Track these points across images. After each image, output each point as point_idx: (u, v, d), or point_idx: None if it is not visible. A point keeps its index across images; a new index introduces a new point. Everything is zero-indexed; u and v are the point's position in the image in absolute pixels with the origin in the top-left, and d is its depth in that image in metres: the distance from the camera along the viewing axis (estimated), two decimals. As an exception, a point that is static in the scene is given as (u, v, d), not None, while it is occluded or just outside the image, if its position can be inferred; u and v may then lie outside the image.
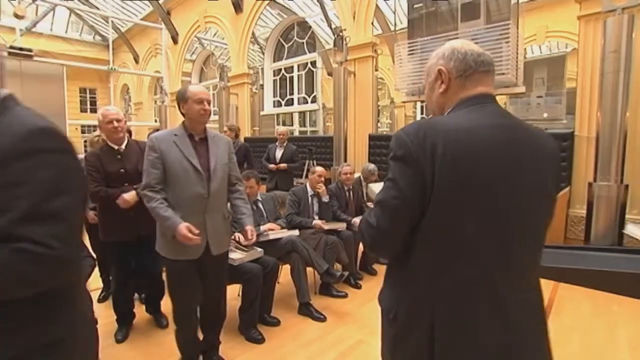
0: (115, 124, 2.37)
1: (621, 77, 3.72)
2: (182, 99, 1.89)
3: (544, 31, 9.11)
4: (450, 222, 0.84)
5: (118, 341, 2.48)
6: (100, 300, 3.08)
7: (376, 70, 6.63)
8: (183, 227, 1.75)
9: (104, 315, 2.77)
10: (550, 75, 8.20)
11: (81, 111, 17.07)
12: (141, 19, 12.88)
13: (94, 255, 2.49)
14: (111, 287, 2.65)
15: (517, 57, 4.59)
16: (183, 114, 1.92)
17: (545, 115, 7.91)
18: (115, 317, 2.58)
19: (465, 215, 0.83)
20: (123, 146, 2.46)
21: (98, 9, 13.19)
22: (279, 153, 5.21)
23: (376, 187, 1.14)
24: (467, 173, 0.82)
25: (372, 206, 1.18)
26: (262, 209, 3.14)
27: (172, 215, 1.80)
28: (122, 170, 2.41)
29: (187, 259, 1.90)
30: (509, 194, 0.85)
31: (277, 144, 5.28)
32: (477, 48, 0.95)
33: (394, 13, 6.68)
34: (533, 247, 0.92)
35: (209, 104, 1.90)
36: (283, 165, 5.10)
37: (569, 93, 7.72)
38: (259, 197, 3.15)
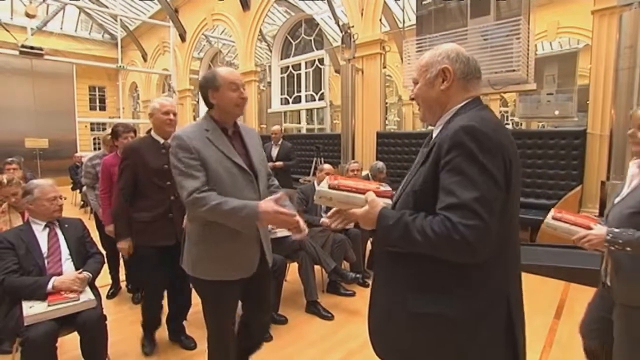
0: (172, 116, 2.19)
1: (637, 73, 3.63)
2: (210, 86, 1.52)
3: (555, 27, 8.95)
4: (512, 214, 0.94)
5: (146, 354, 2.30)
6: (109, 297, 3.10)
7: (384, 67, 6.58)
8: (269, 203, 1.36)
9: (113, 312, 2.79)
10: (561, 72, 8.06)
11: (90, 109, 17.25)
12: (149, 17, 12.97)
13: (103, 252, 2.49)
14: (145, 295, 2.37)
15: (527, 54, 4.51)
16: (210, 105, 1.56)
17: (556, 112, 7.78)
18: (142, 332, 2.38)
19: (512, 206, 0.93)
20: (169, 141, 2.20)
21: (107, 7, 13.30)
22: (274, 151, 5.13)
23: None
24: (515, 164, 0.92)
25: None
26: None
27: (243, 201, 1.41)
28: (165, 166, 2.08)
29: (237, 278, 1.56)
30: (519, 184, 0.98)
31: (272, 142, 5.19)
32: (470, 54, 1.04)
33: (402, 10, 6.61)
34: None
35: (244, 89, 1.58)
36: (279, 163, 5.02)
37: (580, 90, 7.58)
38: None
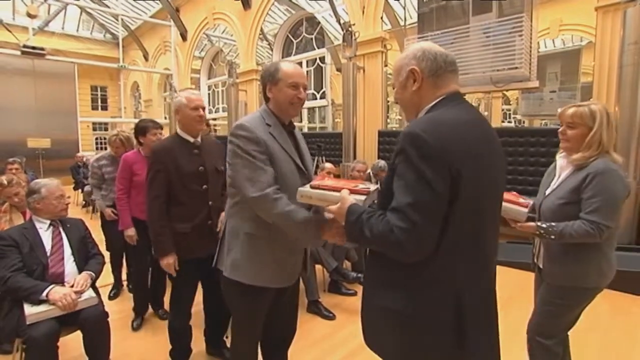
0: (201, 111, 1.94)
1: (641, 70, 3.60)
2: (270, 79, 1.44)
3: (558, 24, 8.89)
4: (466, 215, 0.91)
5: None
6: (111, 298, 3.08)
7: (385, 65, 6.55)
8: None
9: (116, 311, 2.78)
10: (564, 69, 8.03)
11: (92, 109, 17.28)
12: (150, 17, 12.97)
13: (106, 253, 2.49)
14: (171, 314, 2.10)
15: (530, 51, 4.48)
16: (267, 98, 1.49)
17: (559, 110, 7.74)
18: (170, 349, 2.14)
19: (476, 207, 0.93)
20: (199, 139, 1.99)
21: (108, 7, 13.31)
22: None
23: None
24: (470, 166, 0.89)
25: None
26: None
27: (310, 215, 1.34)
28: (201, 168, 1.93)
29: (280, 286, 1.48)
30: (493, 183, 0.97)
31: None
32: (442, 49, 1.02)
33: (404, 8, 6.58)
34: (496, 237, 1.04)
35: (305, 89, 1.47)
36: None
37: (583, 87, 7.54)
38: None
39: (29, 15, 10.52)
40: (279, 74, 1.43)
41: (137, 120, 3.21)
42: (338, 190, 1.13)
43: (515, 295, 3.11)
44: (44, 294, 1.73)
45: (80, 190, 7.55)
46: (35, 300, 1.73)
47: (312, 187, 1.21)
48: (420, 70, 0.99)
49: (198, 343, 2.24)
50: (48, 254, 1.92)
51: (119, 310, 2.87)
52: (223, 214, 2.00)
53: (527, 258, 1.98)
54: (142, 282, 2.73)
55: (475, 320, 0.95)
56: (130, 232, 2.56)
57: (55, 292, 1.74)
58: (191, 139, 1.96)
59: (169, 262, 1.86)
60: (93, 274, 1.98)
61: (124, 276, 3.27)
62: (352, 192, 1.11)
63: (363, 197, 1.09)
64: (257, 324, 1.55)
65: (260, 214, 1.35)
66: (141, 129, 2.58)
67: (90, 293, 1.85)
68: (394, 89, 1.10)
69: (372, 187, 1.19)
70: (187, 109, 1.91)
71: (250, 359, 1.60)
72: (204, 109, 1.97)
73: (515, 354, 2.31)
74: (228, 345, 2.15)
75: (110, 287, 3.18)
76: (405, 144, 0.90)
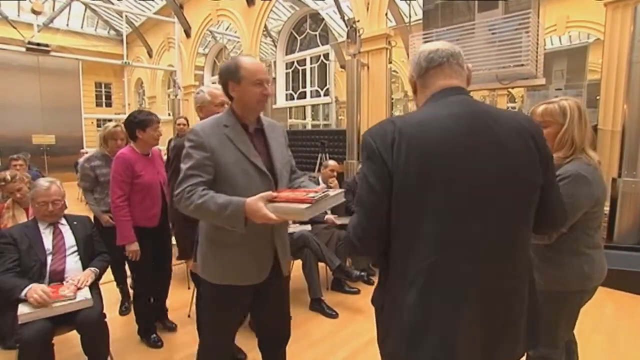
0: (226, 107, 1.72)
1: (651, 67, 3.54)
2: (232, 77, 1.38)
3: (565, 21, 8.78)
4: (412, 213, 0.88)
5: None
6: (123, 312, 2.82)
7: (390, 62, 6.49)
8: (254, 200, 1.24)
9: (115, 309, 2.79)
10: (571, 67, 7.93)
11: (96, 105, 17.32)
12: (154, 13, 12.96)
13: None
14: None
15: (537, 48, 4.42)
16: (230, 97, 1.44)
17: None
18: None
19: (426, 205, 0.87)
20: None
21: (112, 3, 13.31)
22: None
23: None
24: (420, 164, 0.87)
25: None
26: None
27: (230, 198, 1.28)
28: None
29: (247, 283, 1.44)
30: (466, 183, 0.88)
31: None
32: (432, 46, 1.01)
33: (409, 4, 6.52)
34: (506, 235, 0.92)
35: (268, 83, 1.42)
36: None
37: (590, 85, 7.45)
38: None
39: (34, 12, 10.52)
40: (240, 71, 1.37)
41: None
42: (291, 201, 1.22)
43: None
44: (23, 293, 1.71)
45: (84, 187, 7.58)
46: (13, 300, 1.72)
47: (268, 201, 1.26)
48: (410, 77, 1.05)
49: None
50: (48, 251, 1.92)
51: (118, 308, 2.87)
52: None
53: (533, 258, 1.95)
54: (145, 304, 2.41)
55: (419, 329, 0.89)
56: (134, 246, 2.20)
57: (32, 291, 1.70)
58: None
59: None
60: (97, 270, 1.99)
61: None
62: (299, 201, 1.20)
63: (304, 206, 1.18)
64: (226, 322, 1.53)
65: (186, 214, 1.35)
66: (141, 122, 2.23)
67: (85, 294, 1.81)
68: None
69: (331, 192, 1.28)
70: (212, 106, 1.81)
71: (217, 354, 1.59)
72: (229, 104, 1.86)
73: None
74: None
75: (113, 289, 3.17)
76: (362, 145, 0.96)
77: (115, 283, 2.95)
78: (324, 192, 1.27)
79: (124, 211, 2.19)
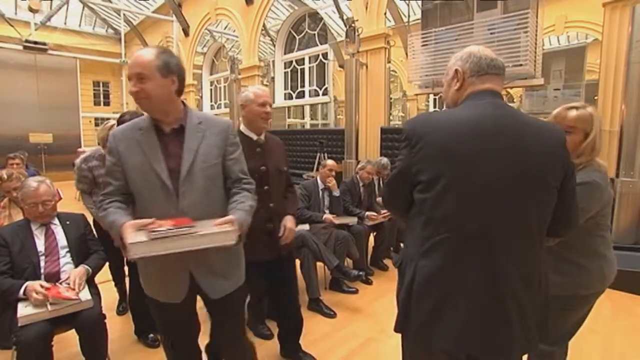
0: (268, 108, 1.87)
1: (649, 68, 3.55)
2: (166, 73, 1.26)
3: (563, 21, 8.80)
4: (433, 198, 0.99)
5: None
6: (120, 312, 2.79)
7: (388, 62, 6.50)
8: (125, 227, 1.15)
9: (114, 307, 2.78)
10: (569, 67, 7.94)
11: (94, 104, 17.25)
12: (153, 12, 12.92)
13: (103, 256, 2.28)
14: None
15: (535, 48, 4.43)
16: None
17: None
18: None
19: (445, 192, 0.98)
20: (263, 137, 1.92)
21: (110, 2, 13.26)
22: None
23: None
24: (442, 155, 0.98)
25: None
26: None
27: (115, 218, 1.22)
28: (262, 167, 1.84)
29: (168, 301, 1.37)
30: (482, 178, 0.96)
31: None
32: (492, 54, 1.08)
33: (407, 4, 6.52)
34: (519, 230, 0.99)
35: (140, 80, 1.23)
36: None
37: (588, 85, 7.46)
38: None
39: (31, 10, 10.47)
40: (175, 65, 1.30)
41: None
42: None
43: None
44: (21, 292, 1.71)
45: (81, 186, 7.55)
46: (13, 300, 1.72)
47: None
48: (463, 71, 1.08)
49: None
50: (41, 253, 1.89)
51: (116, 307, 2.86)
52: (288, 217, 1.95)
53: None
54: (142, 304, 2.40)
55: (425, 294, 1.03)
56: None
57: (30, 290, 1.70)
58: (254, 137, 1.89)
59: None
60: (89, 269, 1.94)
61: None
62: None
63: (140, 239, 1.09)
64: (167, 333, 1.51)
65: None
66: (120, 124, 2.10)
67: (86, 295, 1.80)
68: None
69: (200, 231, 1.13)
70: (254, 105, 1.85)
71: None
72: (270, 105, 1.89)
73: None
74: (303, 348, 2.21)
75: (110, 288, 3.15)
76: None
77: (113, 283, 2.91)
78: (187, 229, 1.11)
79: None
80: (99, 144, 2.61)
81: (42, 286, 1.71)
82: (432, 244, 1.01)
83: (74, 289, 1.78)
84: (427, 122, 1.04)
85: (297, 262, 2.92)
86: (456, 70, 1.09)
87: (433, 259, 1.00)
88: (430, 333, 1.01)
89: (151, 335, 2.35)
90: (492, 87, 1.05)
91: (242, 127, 1.90)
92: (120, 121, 2.18)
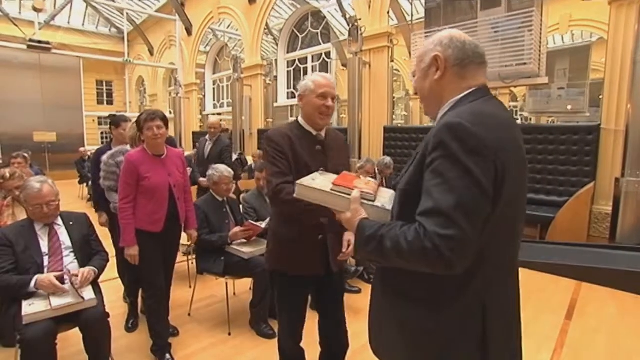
0: (329, 101, 1.55)
1: (655, 66, 3.51)
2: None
3: (567, 20, 8.74)
4: (502, 219, 0.81)
5: None
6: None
7: (392, 61, 6.47)
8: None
9: (117, 306, 2.78)
10: (573, 66, 7.87)
11: (98, 103, 17.33)
12: (155, 11, 12.94)
13: (111, 260, 2.26)
14: (280, 333, 1.77)
15: (540, 47, 4.40)
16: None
17: (569, 107, 7.61)
18: None
19: (511, 211, 0.84)
20: (323, 133, 1.63)
21: (114, 1, 13.29)
22: (207, 149, 4.22)
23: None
24: (514, 167, 0.81)
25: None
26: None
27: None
28: (322, 169, 1.48)
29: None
30: (523, 188, 0.89)
31: (207, 137, 4.31)
32: (473, 40, 0.93)
33: (411, 3, 6.49)
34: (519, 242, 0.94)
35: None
36: (203, 180, 3.78)
37: (593, 84, 7.41)
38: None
39: (35, 10, 10.50)
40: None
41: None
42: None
43: (520, 295, 3.07)
44: (32, 285, 1.72)
45: (85, 185, 7.58)
46: (25, 294, 1.72)
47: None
48: (445, 58, 0.90)
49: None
50: (45, 253, 1.89)
51: (120, 306, 2.86)
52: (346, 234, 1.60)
53: (536, 257, 1.93)
54: (160, 309, 2.25)
55: (500, 332, 0.88)
56: (133, 250, 2.10)
57: (41, 281, 1.73)
58: (314, 132, 1.60)
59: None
60: (96, 270, 1.95)
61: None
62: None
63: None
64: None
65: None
66: (138, 122, 2.20)
67: (89, 294, 1.80)
68: (414, 77, 1.00)
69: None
70: (313, 96, 1.54)
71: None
72: (334, 98, 1.57)
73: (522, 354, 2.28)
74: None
75: (112, 286, 3.15)
76: (445, 135, 0.77)
77: (124, 294, 2.81)
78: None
79: (126, 214, 2.10)
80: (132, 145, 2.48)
81: (51, 281, 1.73)
82: (488, 276, 0.89)
83: (77, 286, 1.78)
84: (492, 118, 0.85)
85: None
86: (436, 57, 0.91)
87: (499, 298, 0.92)
88: None
89: (167, 356, 2.19)
90: (486, 82, 0.93)
91: (301, 120, 1.62)
92: (139, 119, 2.18)
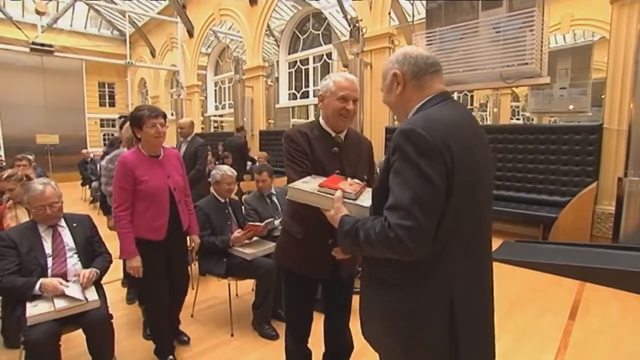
0: (350, 104, 1.47)
1: (658, 66, 3.50)
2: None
3: (569, 19, 8.73)
4: (461, 210, 0.91)
5: None
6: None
7: (393, 61, 6.47)
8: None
9: (120, 308, 2.79)
10: (575, 65, 7.86)
11: (100, 105, 17.40)
12: (157, 13, 12.99)
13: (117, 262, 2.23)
14: (287, 335, 1.75)
15: (541, 46, 4.39)
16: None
17: (571, 107, 7.59)
18: None
19: (470, 202, 0.93)
20: (343, 135, 1.56)
21: (115, 3, 13.34)
22: (183, 149, 4.09)
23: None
24: (465, 162, 0.90)
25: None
26: (277, 202, 3.09)
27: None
28: (337, 171, 1.46)
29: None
30: (484, 182, 0.99)
31: (181, 139, 4.26)
32: (425, 52, 1.06)
33: (412, 3, 6.49)
34: (489, 227, 1.05)
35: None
36: None
37: (595, 84, 7.39)
38: (273, 191, 3.10)
39: (38, 13, 10.56)
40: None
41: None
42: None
43: (523, 295, 3.06)
44: (37, 288, 1.74)
45: (87, 186, 7.60)
46: (29, 296, 1.74)
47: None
48: (402, 74, 1.03)
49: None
50: (49, 254, 1.89)
51: (123, 307, 2.87)
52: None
53: (539, 257, 1.93)
54: (162, 319, 2.15)
55: (469, 324, 0.95)
56: (135, 262, 1.95)
57: (46, 286, 1.75)
58: (333, 133, 1.53)
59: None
60: (98, 271, 1.95)
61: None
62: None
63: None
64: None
65: None
66: (135, 120, 1.97)
67: (93, 295, 1.81)
68: (382, 92, 1.14)
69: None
70: (333, 98, 1.46)
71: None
72: (355, 101, 1.49)
73: (525, 354, 2.27)
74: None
75: (115, 288, 3.17)
76: (401, 140, 0.90)
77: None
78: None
79: (124, 222, 1.93)
80: (120, 143, 2.46)
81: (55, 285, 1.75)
82: (462, 263, 1.00)
83: (81, 285, 1.80)
84: (439, 122, 0.95)
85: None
86: (395, 74, 1.04)
87: (466, 282, 1.02)
88: None
89: (170, 357, 2.16)
90: (444, 89, 1.04)
91: (321, 120, 1.56)
92: (137, 116, 1.99)
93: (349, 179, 1.16)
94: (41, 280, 1.76)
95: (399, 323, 0.97)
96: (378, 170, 1.35)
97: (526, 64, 4.31)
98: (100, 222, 2.40)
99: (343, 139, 1.55)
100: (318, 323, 1.77)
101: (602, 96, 4.59)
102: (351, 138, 1.59)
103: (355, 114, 1.52)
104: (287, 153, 1.49)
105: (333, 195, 1.10)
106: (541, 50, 4.39)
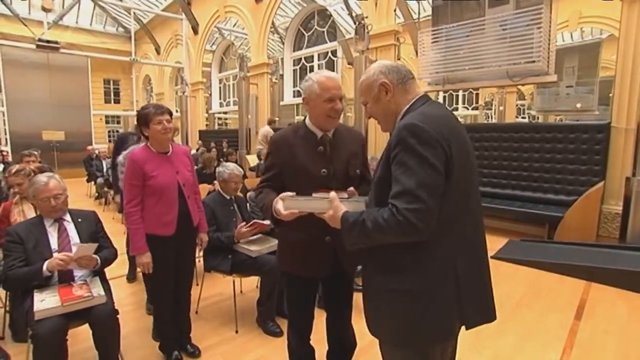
0: (338, 104, 1.46)
1: (667, 64, 3.46)
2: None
3: (577, 17, 8.64)
4: (457, 193, 1.02)
5: None
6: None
7: (398, 59, 6.44)
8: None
9: (127, 302, 2.80)
10: (582, 63, 7.77)
11: (105, 102, 17.47)
12: (162, 10, 13.01)
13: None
14: (289, 334, 1.76)
15: (548, 44, 4.35)
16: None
17: (578, 105, 7.51)
18: None
19: (463, 186, 1.05)
20: (331, 134, 1.54)
21: (121, 0, 13.37)
22: None
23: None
24: (461, 150, 1.03)
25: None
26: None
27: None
28: (324, 171, 1.48)
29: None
30: (472, 174, 1.10)
31: None
32: (396, 63, 1.21)
33: (418, 1, 6.45)
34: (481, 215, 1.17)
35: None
36: None
37: (602, 82, 7.31)
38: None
39: (44, 9, 10.62)
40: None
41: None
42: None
43: (528, 295, 3.04)
44: (45, 269, 1.76)
45: (93, 182, 7.65)
46: (40, 279, 1.77)
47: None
48: (390, 82, 1.14)
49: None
50: (54, 249, 1.91)
51: (129, 302, 2.88)
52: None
53: (544, 257, 1.91)
54: (167, 315, 2.16)
55: (470, 287, 1.07)
56: (144, 258, 1.97)
57: (51, 264, 1.77)
58: (319, 133, 1.52)
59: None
60: (98, 259, 1.94)
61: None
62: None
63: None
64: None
65: None
66: (141, 118, 2.00)
67: (99, 290, 1.82)
68: (365, 105, 1.23)
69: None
70: (320, 100, 1.44)
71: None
72: (341, 99, 1.47)
73: (530, 353, 2.26)
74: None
75: (121, 284, 3.18)
76: (404, 133, 1.00)
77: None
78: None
79: (134, 218, 1.96)
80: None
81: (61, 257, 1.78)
82: (461, 241, 1.10)
83: (87, 286, 1.81)
84: (432, 117, 1.08)
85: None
86: (383, 84, 1.14)
87: (466, 257, 1.12)
88: None
89: (176, 353, 2.15)
90: (424, 92, 1.18)
91: (307, 121, 1.54)
92: (144, 114, 2.02)
93: (332, 192, 1.21)
94: (46, 262, 1.78)
95: (405, 303, 1.05)
96: (374, 165, 1.35)
97: (533, 61, 4.27)
98: (106, 219, 2.41)
99: (332, 136, 1.54)
100: (321, 320, 1.77)
101: (610, 95, 4.54)
102: (341, 133, 1.57)
103: (342, 111, 1.51)
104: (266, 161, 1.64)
105: (327, 197, 1.18)
106: (548, 48, 4.35)
